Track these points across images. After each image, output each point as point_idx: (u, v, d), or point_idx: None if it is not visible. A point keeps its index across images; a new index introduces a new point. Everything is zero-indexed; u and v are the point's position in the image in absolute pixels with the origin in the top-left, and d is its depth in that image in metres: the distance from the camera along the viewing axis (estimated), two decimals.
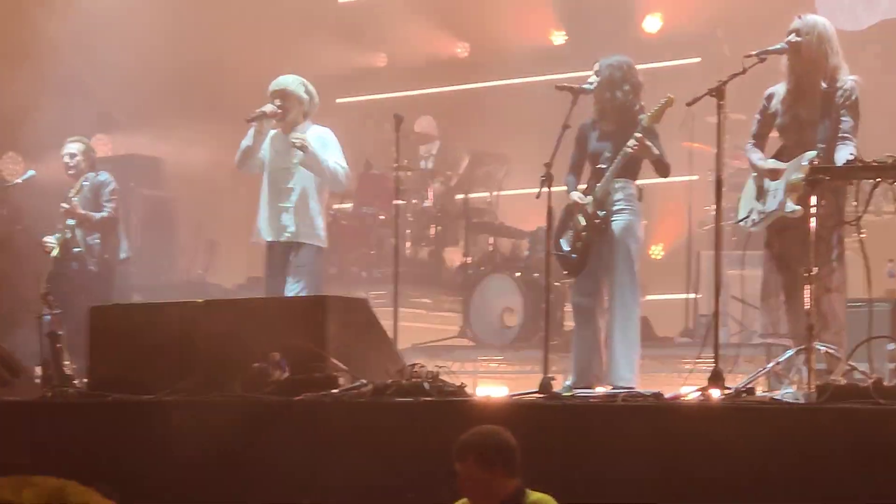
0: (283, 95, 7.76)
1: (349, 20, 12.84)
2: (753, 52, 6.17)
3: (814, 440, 5.04)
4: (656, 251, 11.29)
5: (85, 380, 7.09)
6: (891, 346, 6.45)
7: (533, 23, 12.32)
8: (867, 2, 10.28)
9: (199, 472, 5.89)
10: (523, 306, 9.39)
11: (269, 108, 7.76)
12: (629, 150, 6.83)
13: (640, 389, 6.28)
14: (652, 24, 11.81)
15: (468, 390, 6.24)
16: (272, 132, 7.86)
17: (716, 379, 5.63)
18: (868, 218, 5.94)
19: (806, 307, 5.67)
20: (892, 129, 8.59)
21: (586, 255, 7.03)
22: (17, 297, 9.54)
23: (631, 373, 6.84)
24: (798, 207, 6.12)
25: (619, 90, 7.02)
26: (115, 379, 6.59)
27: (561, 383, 7.18)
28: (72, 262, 8.97)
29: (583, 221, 7.05)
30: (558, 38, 12.43)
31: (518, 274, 9.54)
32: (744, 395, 5.57)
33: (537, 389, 6.10)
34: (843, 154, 6.05)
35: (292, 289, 7.64)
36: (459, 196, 10.85)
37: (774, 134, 6.65)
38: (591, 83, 7.06)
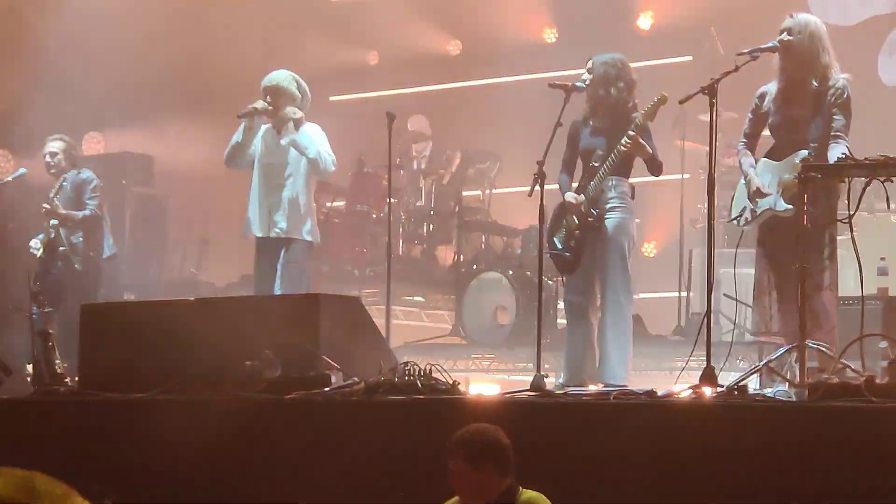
0: (275, 92, 7.74)
1: (341, 18, 12.83)
2: (746, 51, 6.18)
3: (806, 438, 5.04)
4: (648, 249, 11.30)
5: (76, 378, 7.08)
6: (883, 344, 6.45)
7: (525, 21, 12.32)
8: None
9: (190, 471, 5.88)
10: (516, 304, 9.39)
11: (260, 104, 7.75)
12: (622, 148, 6.83)
13: (632, 387, 6.28)
14: (644, 22, 11.82)
15: (461, 388, 6.24)
16: (264, 127, 7.84)
17: (708, 377, 5.63)
18: (860, 216, 5.95)
19: (798, 305, 5.67)
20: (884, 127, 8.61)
21: (579, 254, 7.03)
22: (9, 296, 9.52)
23: (623, 371, 6.84)
24: (791, 206, 6.13)
25: (614, 87, 7.01)
26: (106, 377, 6.58)
27: (553, 381, 7.20)
28: (57, 262, 8.93)
29: (576, 220, 7.04)
30: (550, 36, 12.43)
31: (511, 272, 9.53)
32: (736, 393, 5.56)
33: (530, 387, 6.10)
34: (836, 153, 6.06)
35: (282, 285, 7.61)
36: (452, 194, 10.85)
37: (767, 132, 6.65)
38: (583, 81, 7.06)
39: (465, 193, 10.90)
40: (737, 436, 5.12)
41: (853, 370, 5.65)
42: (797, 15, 6.44)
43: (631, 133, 6.81)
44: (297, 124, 7.70)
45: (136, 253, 11.25)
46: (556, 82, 7.11)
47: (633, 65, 7.24)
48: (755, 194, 6.38)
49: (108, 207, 9.67)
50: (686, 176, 9.59)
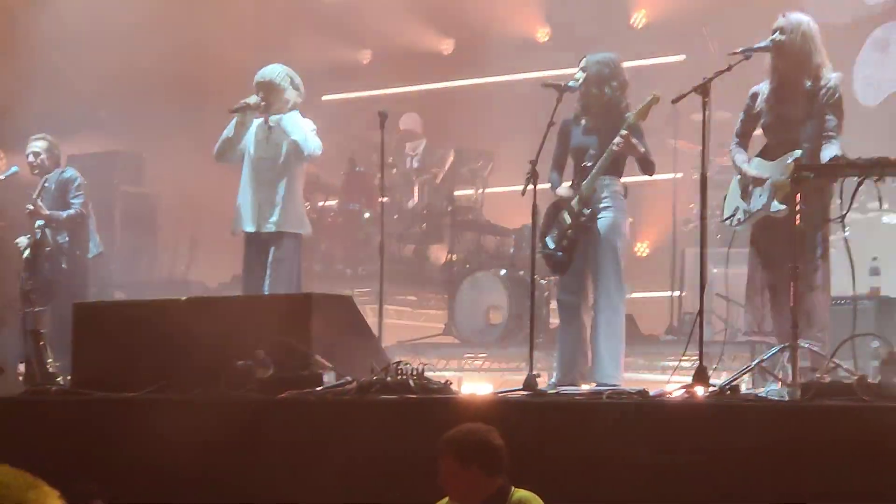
0: (267, 87, 7.73)
1: (333, 17, 12.81)
2: (738, 50, 6.17)
3: (798, 437, 5.04)
4: (641, 249, 11.30)
5: (68, 377, 7.07)
6: (875, 344, 6.45)
7: (518, 19, 12.32)
8: None
9: (181, 470, 5.87)
10: (508, 304, 9.39)
11: (252, 99, 7.73)
12: (615, 147, 6.83)
13: (624, 387, 6.29)
14: (637, 21, 11.82)
15: (453, 388, 6.23)
16: (256, 122, 7.81)
17: (700, 376, 5.63)
18: (852, 216, 5.94)
19: (790, 305, 5.67)
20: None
21: (572, 253, 7.02)
22: (1, 295, 9.50)
23: (616, 370, 6.84)
24: (784, 207, 6.13)
25: (607, 86, 7.00)
26: (98, 376, 6.56)
27: (546, 381, 7.19)
28: (45, 262, 8.90)
29: (568, 219, 7.04)
30: (543, 35, 12.43)
31: (503, 271, 9.53)
32: (728, 392, 5.57)
33: (522, 387, 6.10)
34: (829, 153, 6.06)
35: (273, 284, 7.57)
36: (444, 193, 10.85)
37: (759, 132, 6.65)
38: (576, 80, 7.05)
39: (457, 193, 10.89)
40: (729, 435, 5.12)
41: (845, 370, 5.65)
42: (790, 14, 6.44)
43: (623, 132, 6.80)
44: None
45: (126, 252, 11.22)
46: (549, 82, 7.10)
47: (625, 64, 7.24)
48: (753, 182, 6.35)
49: (98, 206, 9.66)
50: (678, 175, 9.60)
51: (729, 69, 6.09)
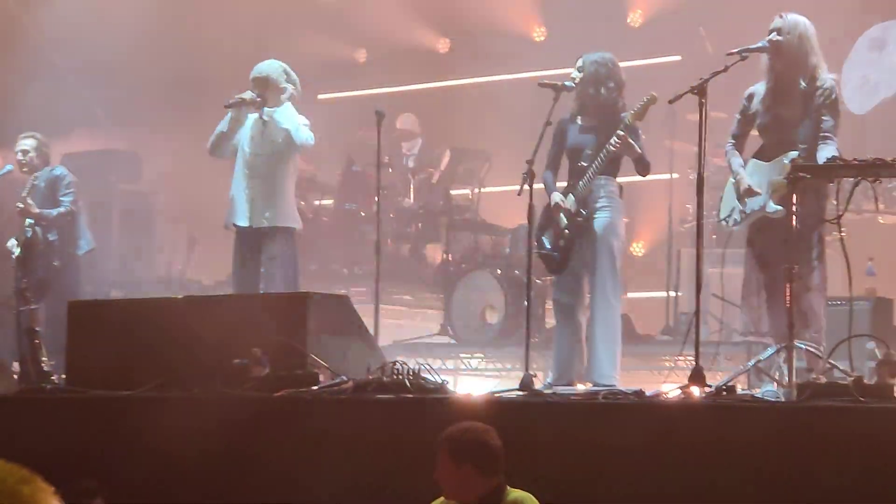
0: (263, 83, 7.72)
1: (330, 16, 12.80)
2: (735, 50, 6.17)
3: (794, 438, 5.05)
4: (637, 249, 11.31)
5: (63, 376, 7.06)
6: (871, 345, 6.47)
7: (514, 19, 12.32)
8: None
9: (178, 468, 5.87)
10: (504, 303, 9.38)
11: (248, 95, 7.71)
12: (611, 148, 6.82)
13: (620, 387, 6.29)
14: (633, 21, 11.82)
15: (449, 387, 6.23)
16: (252, 117, 7.79)
17: (696, 377, 5.63)
18: (849, 217, 5.95)
19: (787, 305, 5.68)
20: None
21: (568, 253, 7.02)
22: None
23: (612, 370, 6.83)
24: (780, 207, 6.13)
25: (604, 86, 7.00)
26: (93, 374, 6.56)
27: (542, 381, 7.19)
28: (37, 260, 8.88)
29: (564, 220, 7.03)
30: (539, 34, 12.43)
31: (499, 271, 9.53)
32: (724, 393, 5.57)
33: (518, 387, 6.10)
34: (825, 154, 6.06)
35: (268, 282, 7.55)
36: (441, 193, 10.84)
37: (755, 132, 6.65)
38: (573, 80, 7.05)
39: (453, 192, 10.88)
40: (725, 436, 5.12)
41: (841, 370, 5.66)
42: (786, 15, 6.44)
43: (620, 133, 6.80)
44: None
45: (122, 250, 11.21)
46: (546, 81, 7.10)
47: (622, 64, 7.24)
48: (746, 193, 6.37)
49: (95, 204, 9.64)
50: (675, 176, 9.60)
51: (725, 70, 6.09)
